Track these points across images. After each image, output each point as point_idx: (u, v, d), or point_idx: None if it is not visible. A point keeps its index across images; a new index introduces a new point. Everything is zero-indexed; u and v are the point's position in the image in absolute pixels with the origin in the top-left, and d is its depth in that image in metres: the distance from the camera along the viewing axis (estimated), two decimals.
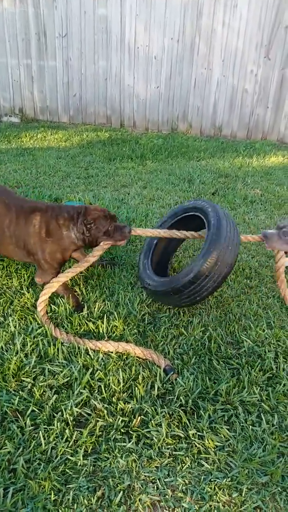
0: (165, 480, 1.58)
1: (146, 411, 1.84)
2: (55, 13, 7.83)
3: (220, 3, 7.14)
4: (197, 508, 1.49)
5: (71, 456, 1.64)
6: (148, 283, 2.48)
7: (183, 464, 1.64)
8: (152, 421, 1.79)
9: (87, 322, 2.34)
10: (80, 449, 1.66)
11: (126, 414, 1.82)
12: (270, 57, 7.33)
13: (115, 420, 1.79)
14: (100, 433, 1.74)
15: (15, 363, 2.01)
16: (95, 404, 1.85)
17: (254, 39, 7.25)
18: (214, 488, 1.56)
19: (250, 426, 1.82)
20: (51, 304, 2.48)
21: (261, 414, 1.87)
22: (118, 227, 2.43)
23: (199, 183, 4.95)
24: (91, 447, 1.68)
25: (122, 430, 1.75)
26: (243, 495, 1.54)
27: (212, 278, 2.22)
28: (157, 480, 1.58)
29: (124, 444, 1.70)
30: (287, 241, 2.39)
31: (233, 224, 2.38)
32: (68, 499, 1.49)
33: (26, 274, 2.76)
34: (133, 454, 1.66)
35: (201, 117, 8.02)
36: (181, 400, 1.90)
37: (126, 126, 8.41)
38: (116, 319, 2.37)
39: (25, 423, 1.74)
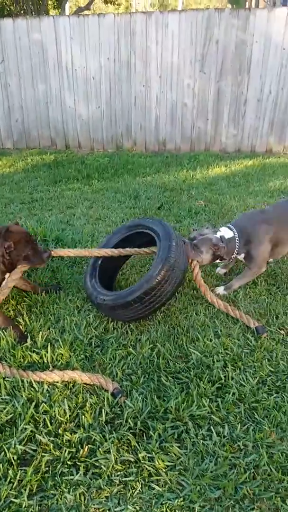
0: (115, 510, 1.53)
1: (94, 439, 1.79)
2: None
3: (152, 23, 7.36)
4: None
5: (15, 498, 1.55)
6: (103, 299, 2.46)
7: (134, 490, 1.59)
8: (101, 449, 1.73)
9: (30, 353, 2.26)
10: (25, 489, 1.57)
11: (73, 445, 1.76)
12: (205, 71, 7.60)
13: (62, 452, 1.72)
14: (46, 468, 1.67)
15: None
16: (40, 439, 1.77)
17: (188, 55, 7.50)
18: (166, 510, 1.53)
19: (201, 441, 1.80)
20: None
21: (212, 426, 1.86)
22: (38, 252, 2.46)
23: (145, 198, 5.00)
24: (36, 485, 1.60)
25: (69, 463, 1.68)
26: None
27: (170, 282, 2.36)
28: (107, 511, 1.52)
29: (72, 477, 1.63)
30: (197, 250, 2.67)
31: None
32: None
33: None
34: (81, 486, 1.60)
35: (145, 133, 8.16)
36: (129, 423, 1.85)
37: (72, 147, 8.41)
38: (61, 347, 2.30)
39: None
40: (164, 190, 5.36)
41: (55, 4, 17.82)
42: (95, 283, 2.65)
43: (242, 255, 2.84)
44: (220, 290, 2.89)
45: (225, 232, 2.78)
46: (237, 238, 2.77)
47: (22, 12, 14.93)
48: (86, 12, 15.96)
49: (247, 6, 15.54)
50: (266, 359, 2.26)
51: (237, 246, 2.76)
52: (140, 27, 7.43)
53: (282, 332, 2.46)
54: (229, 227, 2.83)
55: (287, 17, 7.02)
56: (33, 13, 15.13)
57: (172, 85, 7.74)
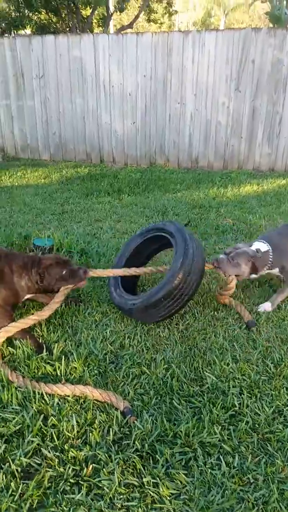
0: None
1: (100, 458, 1.75)
2: (32, 55, 8.10)
3: (189, 42, 7.45)
4: None
5: (15, 511, 1.54)
6: (133, 303, 2.56)
7: None
8: (105, 469, 1.70)
9: (45, 364, 2.27)
10: (26, 504, 1.56)
11: (78, 463, 1.74)
12: (240, 90, 7.59)
13: (66, 469, 1.69)
14: (49, 484, 1.65)
15: None
16: (46, 453, 1.76)
17: (223, 74, 7.52)
18: None
19: (209, 470, 1.73)
20: (8, 347, 2.41)
21: (221, 456, 1.79)
22: (74, 271, 2.52)
23: (172, 214, 4.99)
24: (37, 501, 1.59)
25: (72, 481, 1.66)
26: None
27: (194, 275, 2.49)
28: None
29: (73, 496, 1.60)
30: (235, 265, 2.73)
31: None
32: None
33: None
34: (82, 507, 1.57)
35: (178, 150, 8.20)
36: (137, 445, 1.81)
37: (106, 161, 8.56)
38: (76, 360, 2.30)
39: None
40: (193, 206, 5.34)
41: (100, 22, 18.42)
42: (121, 293, 2.73)
43: (277, 269, 2.90)
44: (267, 306, 2.87)
45: (259, 246, 2.85)
46: (271, 252, 2.82)
47: (67, 29, 15.51)
48: (128, 30, 16.41)
49: None
50: (285, 388, 2.16)
51: (271, 260, 2.82)
52: (177, 46, 7.53)
53: None
54: (262, 241, 2.89)
55: None
56: (78, 30, 15.70)
57: (207, 103, 7.77)
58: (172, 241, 2.67)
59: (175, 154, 8.25)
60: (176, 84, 7.76)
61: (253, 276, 2.88)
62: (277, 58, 7.23)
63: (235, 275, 2.77)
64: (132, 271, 2.77)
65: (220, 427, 1.92)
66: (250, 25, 30.40)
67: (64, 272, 2.50)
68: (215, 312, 2.87)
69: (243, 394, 2.12)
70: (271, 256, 2.82)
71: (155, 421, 1.96)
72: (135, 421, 1.94)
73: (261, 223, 4.57)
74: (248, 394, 2.13)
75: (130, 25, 16.59)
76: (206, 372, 2.27)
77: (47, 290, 2.56)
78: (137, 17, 16.54)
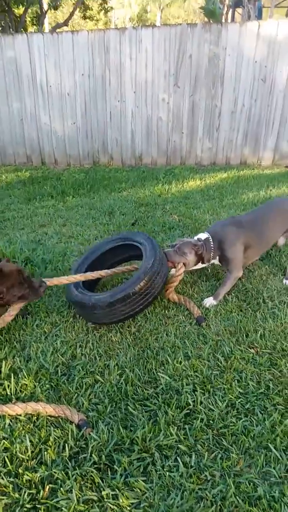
0: None
1: (57, 477, 1.71)
2: None
3: (125, 39, 7.41)
4: None
5: None
6: (99, 298, 2.53)
7: None
8: (62, 488, 1.65)
9: None
10: None
11: (34, 485, 1.68)
12: (179, 85, 7.67)
13: (21, 495, 1.63)
14: None
15: None
16: None
17: (162, 70, 7.57)
18: None
19: (168, 473, 1.73)
20: None
21: (178, 457, 1.80)
22: (34, 288, 2.46)
23: (119, 214, 4.96)
24: None
25: (28, 506, 1.60)
26: None
27: (160, 274, 2.64)
28: None
29: None
30: (181, 254, 2.89)
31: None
32: None
33: None
34: None
35: (121, 148, 8.17)
36: (94, 457, 1.78)
37: (48, 163, 8.37)
38: (25, 377, 2.22)
39: None
40: (139, 205, 5.34)
41: (34, 21, 17.93)
42: (82, 291, 2.70)
43: (217, 258, 3.03)
44: (209, 301, 2.94)
45: (200, 235, 3.04)
46: (211, 240, 2.98)
47: (0, 29, 14.95)
48: (64, 28, 16.10)
49: (223, 20, 15.86)
50: (236, 380, 2.21)
51: (212, 247, 2.96)
52: (114, 43, 7.48)
53: (252, 351, 2.43)
54: (203, 233, 3.08)
55: (259, 30, 7.15)
56: (11, 29, 15.17)
57: (147, 100, 7.79)
58: (141, 248, 2.81)
59: (118, 152, 8.22)
60: (115, 82, 7.72)
61: (201, 265, 3.02)
62: (213, 52, 7.37)
63: (183, 264, 2.90)
64: (87, 275, 2.78)
65: (176, 428, 1.93)
66: (186, 20, 30.86)
67: (25, 291, 2.42)
68: (166, 311, 2.88)
69: (197, 391, 2.14)
70: (211, 244, 2.96)
71: (111, 430, 1.93)
72: (90, 433, 1.91)
73: (205, 218, 4.66)
74: (201, 391, 2.15)
75: (65, 23, 16.29)
76: (160, 372, 2.28)
77: (4, 305, 2.47)
78: (72, 14, 16.26)
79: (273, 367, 2.28)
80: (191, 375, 2.26)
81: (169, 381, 2.22)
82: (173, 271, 2.95)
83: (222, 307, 2.89)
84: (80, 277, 2.75)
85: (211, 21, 10.32)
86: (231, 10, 17.46)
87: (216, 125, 7.83)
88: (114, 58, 7.56)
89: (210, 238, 2.98)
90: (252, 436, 1.88)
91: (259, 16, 15.03)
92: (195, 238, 3.03)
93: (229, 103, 7.65)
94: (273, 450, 1.80)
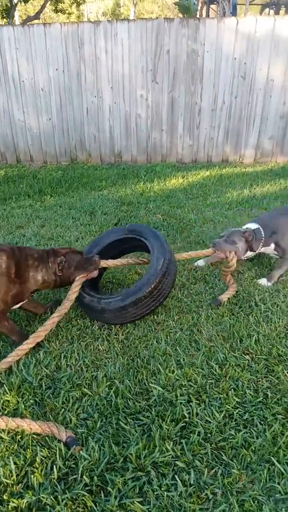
0: None
1: (45, 502, 1.57)
2: None
3: (100, 32, 7.23)
4: None
5: None
6: (109, 302, 2.49)
7: None
8: None
9: None
10: None
11: None
12: (158, 81, 7.54)
13: None
14: None
15: None
16: None
17: (139, 65, 7.41)
18: None
19: (165, 492, 1.62)
20: None
21: (176, 474, 1.69)
22: (87, 258, 2.57)
23: (101, 214, 4.81)
24: None
25: None
26: None
27: (172, 270, 2.60)
28: None
29: None
30: (230, 242, 2.95)
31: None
32: None
33: None
34: None
35: (99, 145, 7.98)
36: (85, 479, 1.65)
37: (23, 161, 8.10)
38: (7, 392, 2.06)
39: None
40: (121, 204, 5.20)
41: (3, 13, 17.41)
42: (89, 291, 2.63)
43: (272, 246, 3.12)
44: (264, 281, 3.13)
45: (249, 225, 3.13)
46: (262, 229, 3.06)
47: None
48: (35, 21, 15.68)
49: (198, 16, 15.84)
50: (232, 389, 2.11)
51: (263, 237, 3.05)
52: (88, 37, 7.27)
53: (247, 357, 2.34)
54: (252, 223, 3.16)
55: (237, 27, 7.09)
56: None
57: (125, 95, 7.63)
58: (148, 244, 2.73)
59: (97, 149, 8.03)
60: (91, 77, 7.51)
61: (250, 253, 3.10)
62: (191, 48, 7.27)
63: (234, 252, 2.93)
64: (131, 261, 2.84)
65: (171, 443, 1.82)
66: (160, 15, 30.73)
67: (80, 260, 2.52)
68: (155, 316, 2.77)
69: (192, 402, 2.04)
70: (262, 233, 3.05)
71: (102, 447, 1.81)
72: (80, 451, 1.77)
73: (190, 217, 4.56)
74: (197, 401, 2.05)
75: (36, 16, 15.87)
76: (151, 383, 2.16)
77: (64, 282, 2.52)
78: (43, 7, 15.85)
79: (270, 374, 2.20)
80: (184, 384, 2.15)
81: (161, 392, 2.10)
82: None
83: (213, 311, 2.79)
84: (126, 262, 2.84)
85: (185, 17, 10.23)
86: (205, 6, 17.44)
87: (196, 122, 7.74)
88: (89, 52, 7.35)
89: (261, 228, 3.07)
90: (253, 449, 1.79)
91: (233, 13, 15.04)
92: (244, 227, 3.12)
93: (209, 99, 7.57)
94: (276, 463, 1.71)
